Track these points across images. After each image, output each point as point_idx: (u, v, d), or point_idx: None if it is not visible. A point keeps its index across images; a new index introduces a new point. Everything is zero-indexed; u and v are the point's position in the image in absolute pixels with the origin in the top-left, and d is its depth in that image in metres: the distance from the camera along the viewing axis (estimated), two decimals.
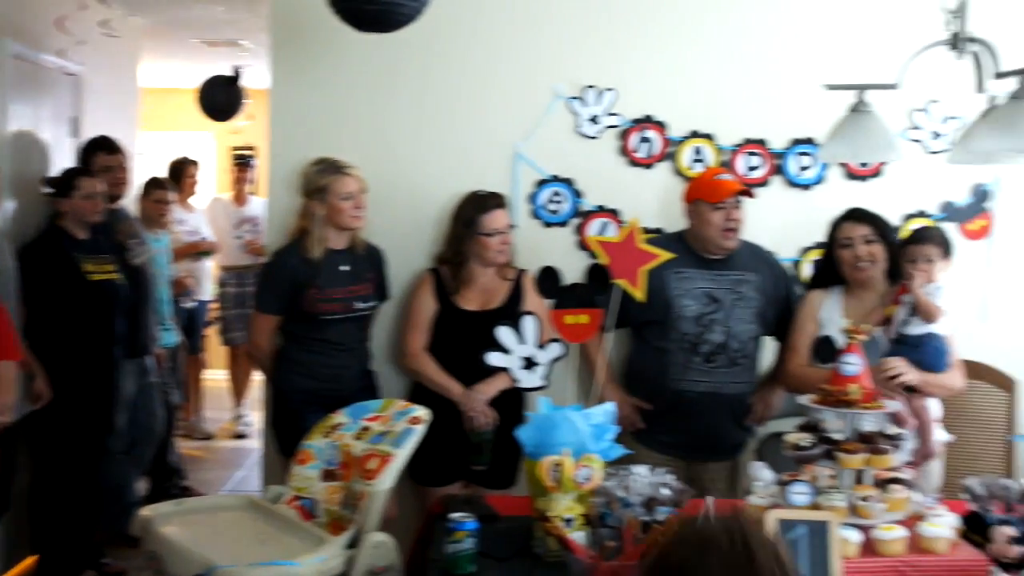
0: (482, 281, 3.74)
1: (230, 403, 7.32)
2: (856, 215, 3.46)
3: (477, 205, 3.71)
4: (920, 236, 3.42)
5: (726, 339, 3.54)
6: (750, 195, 3.57)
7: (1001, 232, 4.09)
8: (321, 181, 3.63)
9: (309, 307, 3.60)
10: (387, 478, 2.76)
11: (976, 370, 3.80)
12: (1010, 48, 2.77)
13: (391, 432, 2.87)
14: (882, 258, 3.40)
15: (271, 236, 4.07)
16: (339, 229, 3.67)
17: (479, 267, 3.72)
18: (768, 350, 3.83)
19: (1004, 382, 4.02)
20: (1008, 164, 3.50)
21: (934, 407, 3.42)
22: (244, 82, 6.72)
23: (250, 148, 8.43)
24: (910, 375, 3.11)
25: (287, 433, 3.58)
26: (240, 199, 7.16)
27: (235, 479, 6.12)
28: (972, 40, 2.70)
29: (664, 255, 3.03)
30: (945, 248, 3.34)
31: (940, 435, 3.45)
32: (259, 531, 2.80)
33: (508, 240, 3.71)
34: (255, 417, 7.19)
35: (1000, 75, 2.64)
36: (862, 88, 2.86)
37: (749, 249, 3.71)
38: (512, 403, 3.73)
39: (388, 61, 3.97)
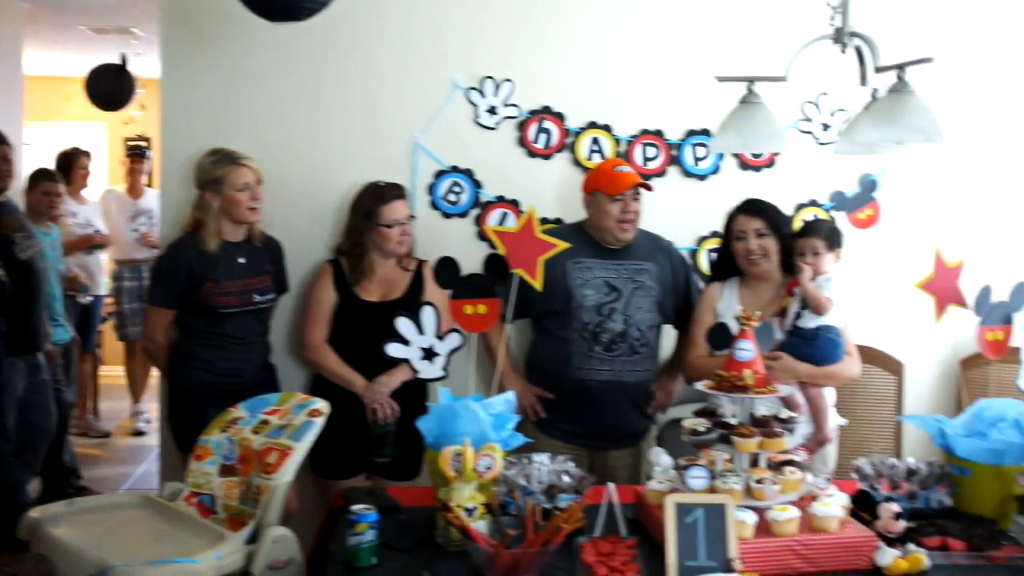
0: (382, 272, 3.73)
1: (128, 400, 7.14)
2: (750, 208, 3.53)
3: (376, 196, 3.69)
4: (807, 229, 3.49)
5: (626, 328, 3.59)
6: (648, 188, 3.62)
7: (888, 221, 4.23)
8: (216, 172, 3.56)
9: (206, 301, 3.55)
10: (286, 472, 2.73)
11: (866, 355, 3.93)
12: (890, 43, 2.85)
13: (290, 425, 2.84)
14: (775, 251, 3.48)
15: (165, 229, 3.99)
16: (235, 221, 3.62)
17: (379, 258, 3.71)
18: (668, 339, 3.91)
19: (893, 366, 4.18)
20: (889, 154, 3.61)
21: (829, 393, 3.52)
22: (134, 70, 6.56)
23: (144, 139, 8.24)
24: (793, 372, 3.22)
25: (185, 429, 3.52)
26: (135, 191, 6.99)
27: (134, 477, 5.98)
28: (854, 35, 2.78)
29: (561, 244, 3.05)
30: (832, 240, 3.41)
31: (834, 419, 3.55)
32: (156, 529, 2.74)
33: (408, 231, 3.70)
34: (153, 413, 7.06)
35: (879, 69, 2.73)
36: (752, 80, 2.92)
37: (648, 238, 3.77)
38: (415, 394, 3.74)
39: (283, 50, 3.91)
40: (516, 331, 3.99)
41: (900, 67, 2.62)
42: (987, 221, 4.34)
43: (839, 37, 2.80)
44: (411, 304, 3.65)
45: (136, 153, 7.13)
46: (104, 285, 6.76)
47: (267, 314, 3.80)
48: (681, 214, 4.10)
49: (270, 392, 3.57)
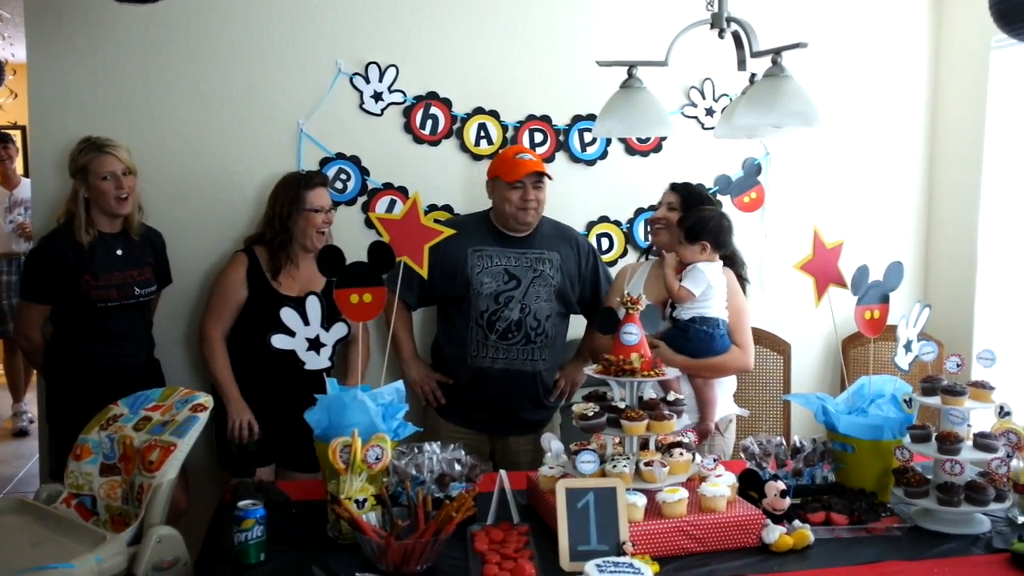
0: (302, 265, 3.65)
1: (8, 399, 6.88)
2: (676, 185, 3.57)
3: (301, 182, 3.62)
4: (680, 217, 3.47)
5: (522, 317, 3.58)
6: (547, 176, 3.58)
7: (772, 204, 4.32)
8: (81, 160, 3.43)
9: (84, 295, 3.41)
10: (170, 469, 2.65)
11: (755, 336, 4.01)
12: (768, 28, 2.91)
13: (173, 421, 2.76)
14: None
15: (39, 220, 3.83)
16: (104, 212, 3.47)
17: (301, 249, 3.63)
18: (576, 328, 3.90)
19: (780, 346, 4.28)
20: (768, 138, 3.68)
21: (727, 383, 3.55)
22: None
23: (15, 126, 7.90)
24: (669, 361, 3.22)
25: (68, 429, 3.37)
26: (8, 181, 6.72)
27: (15, 479, 5.75)
28: (731, 20, 2.82)
29: (446, 231, 3.02)
30: (690, 231, 3.35)
31: (730, 409, 3.59)
32: (32, 534, 2.61)
33: (331, 219, 3.64)
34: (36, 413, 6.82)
35: (756, 54, 2.77)
36: (632, 65, 2.94)
37: (554, 228, 3.75)
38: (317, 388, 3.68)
39: (156, 35, 3.79)
40: (420, 318, 3.99)
41: (776, 52, 2.66)
42: (863, 202, 4.47)
43: (717, 22, 2.82)
44: (329, 297, 3.59)
45: None
46: None
47: (149, 308, 3.70)
48: (569, 199, 4.11)
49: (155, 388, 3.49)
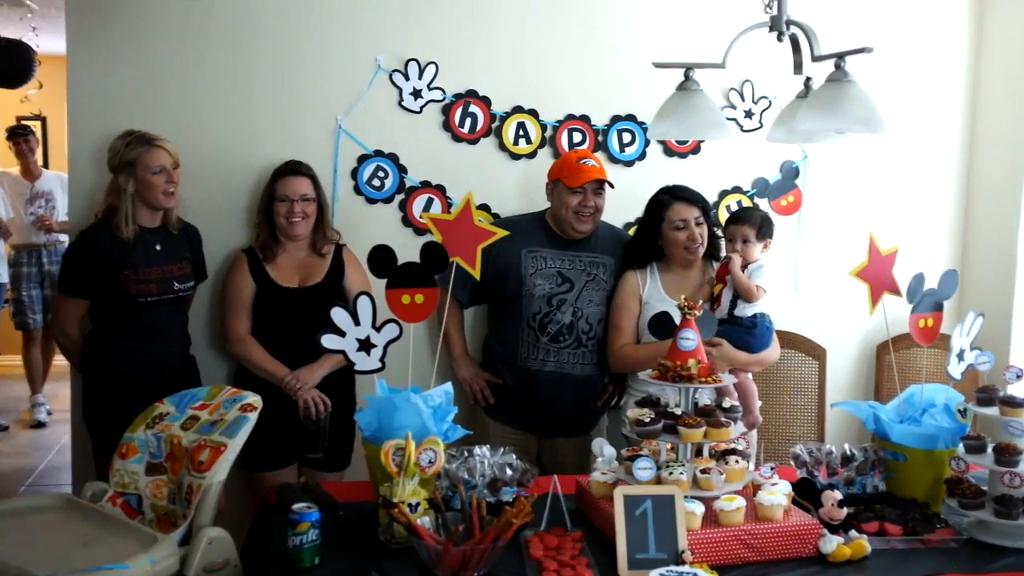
0: (297, 256, 3.64)
1: (26, 391, 6.85)
2: (686, 196, 3.52)
3: (275, 172, 3.62)
4: (737, 216, 3.52)
5: (575, 320, 3.55)
6: (610, 184, 3.57)
7: (809, 208, 4.28)
8: (130, 154, 3.41)
9: (124, 290, 3.39)
10: (221, 470, 2.62)
11: (790, 340, 4.00)
12: (826, 31, 2.87)
13: (222, 421, 2.73)
14: (706, 237, 3.50)
15: (75, 215, 3.80)
16: (150, 206, 3.47)
17: (284, 240, 3.62)
18: None
19: (815, 351, 4.24)
20: (827, 143, 3.64)
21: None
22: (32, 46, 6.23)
23: (39, 118, 7.87)
24: (731, 359, 3.27)
25: (105, 425, 3.37)
26: (29, 173, 6.69)
27: (37, 472, 5.72)
28: (791, 23, 2.78)
29: (500, 232, 2.99)
30: (762, 229, 3.44)
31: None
32: (80, 533, 2.57)
33: (299, 210, 3.57)
34: (55, 404, 6.80)
35: (817, 58, 2.73)
36: (689, 67, 2.90)
37: (609, 232, 3.74)
38: (341, 384, 3.66)
39: (200, 28, 3.77)
40: (473, 316, 3.96)
41: (839, 56, 2.62)
42: (901, 207, 4.44)
43: (776, 25, 2.79)
44: (330, 290, 3.59)
45: (19, 134, 6.76)
46: (4, 273, 6.46)
47: (187, 303, 3.68)
48: (607, 200, 4.05)
49: (192, 385, 3.45)
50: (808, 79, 2.99)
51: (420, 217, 3.95)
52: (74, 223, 3.78)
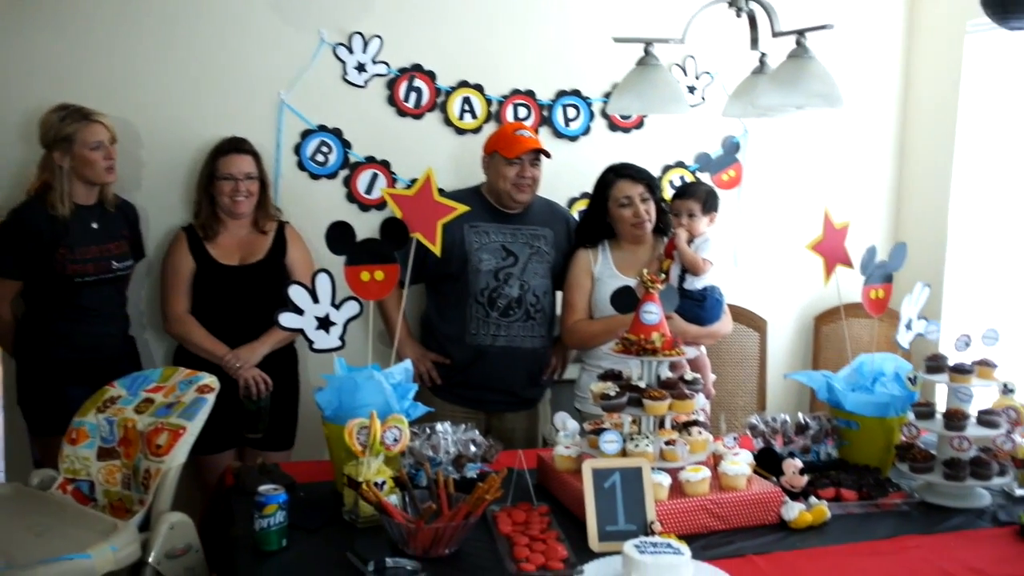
0: (238, 234, 3.58)
1: None
2: (631, 173, 3.52)
3: (216, 150, 3.55)
4: (683, 191, 3.55)
5: (522, 293, 3.54)
6: (546, 154, 3.55)
7: (749, 182, 4.34)
8: (65, 129, 3.28)
9: (60, 270, 3.28)
10: (180, 453, 2.56)
11: (732, 313, 4.03)
12: (785, 8, 2.90)
13: (179, 403, 2.66)
14: (654, 213, 3.51)
15: (4, 192, 3.63)
16: (88, 183, 3.35)
17: (227, 218, 3.55)
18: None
19: (756, 323, 4.31)
20: (778, 117, 3.68)
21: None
22: None
23: None
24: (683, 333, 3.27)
25: (42, 411, 3.28)
26: None
27: None
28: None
29: (460, 208, 2.96)
30: (708, 203, 3.47)
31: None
32: (32, 523, 2.46)
33: (244, 188, 3.52)
34: None
35: (777, 34, 2.76)
36: (648, 42, 2.90)
37: (545, 204, 3.73)
38: (283, 363, 3.60)
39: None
40: (408, 296, 3.89)
41: (800, 33, 2.65)
42: (837, 182, 4.52)
43: (735, 1, 2.80)
44: (272, 267, 3.53)
45: None
46: None
47: (125, 283, 3.57)
48: (553, 175, 4.05)
49: (132, 368, 3.39)
50: (763, 55, 3.02)
51: (381, 193, 3.91)
52: (4, 200, 3.62)
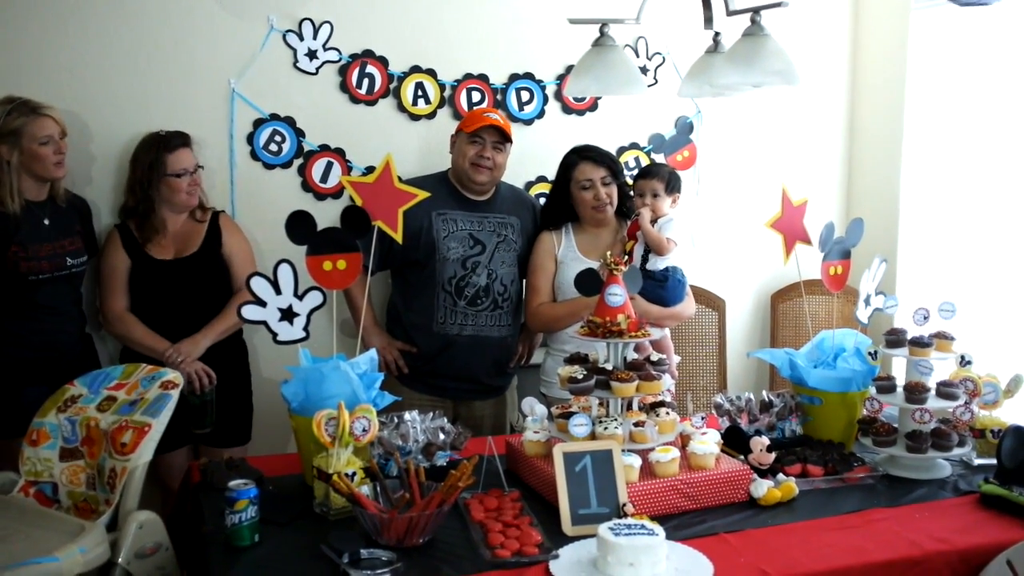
0: (174, 228, 3.52)
1: None
2: (592, 156, 3.52)
3: (160, 145, 3.45)
4: (646, 171, 3.55)
5: (490, 283, 3.52)
6: (508, 139, 3.52)
7: (704, 162, 4.36)
8: (13, 123, 3.19)
9: (12, 268, 3.20)
10: (146, 451, 2.53)
11: (692, 293, 4.07)
12: None
13: (143, 400, 2.62)
14: (615, 196, 3.51)
15: None
16: (37, 178, 3.28)
17: (169, 213, 3.49)
18: None
19: (715, 303, 4.34)
20: (735, 95, 3.69)
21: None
22: None
23: None
24: (646, 314, 3.28)
25: (0, 412, 3.19)
26: None
27: None
28: None
29: (421, 194, 2.94)
30: (670, 182, 3.48)
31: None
32: None
33: (197, 181, 3.50)
34: None
35: (732, 13, 2.77)
36: (604, 23, 2.89)
37: (512, 192, 3.72)
38: (231, 356, 3.57)
39: None
40: (373, 284, 3.86)
41: (755, 11, 2.66)
42: (795, 161, 4.56)
43: None
44: (208, 259, 3.50)
45: None
46: None
47: (80, 280, 3.49)
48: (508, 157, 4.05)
49: (90, 366, 3.32)
50: (717, 34, 3.03)
51: (339, 181, 3.87)
52: None
